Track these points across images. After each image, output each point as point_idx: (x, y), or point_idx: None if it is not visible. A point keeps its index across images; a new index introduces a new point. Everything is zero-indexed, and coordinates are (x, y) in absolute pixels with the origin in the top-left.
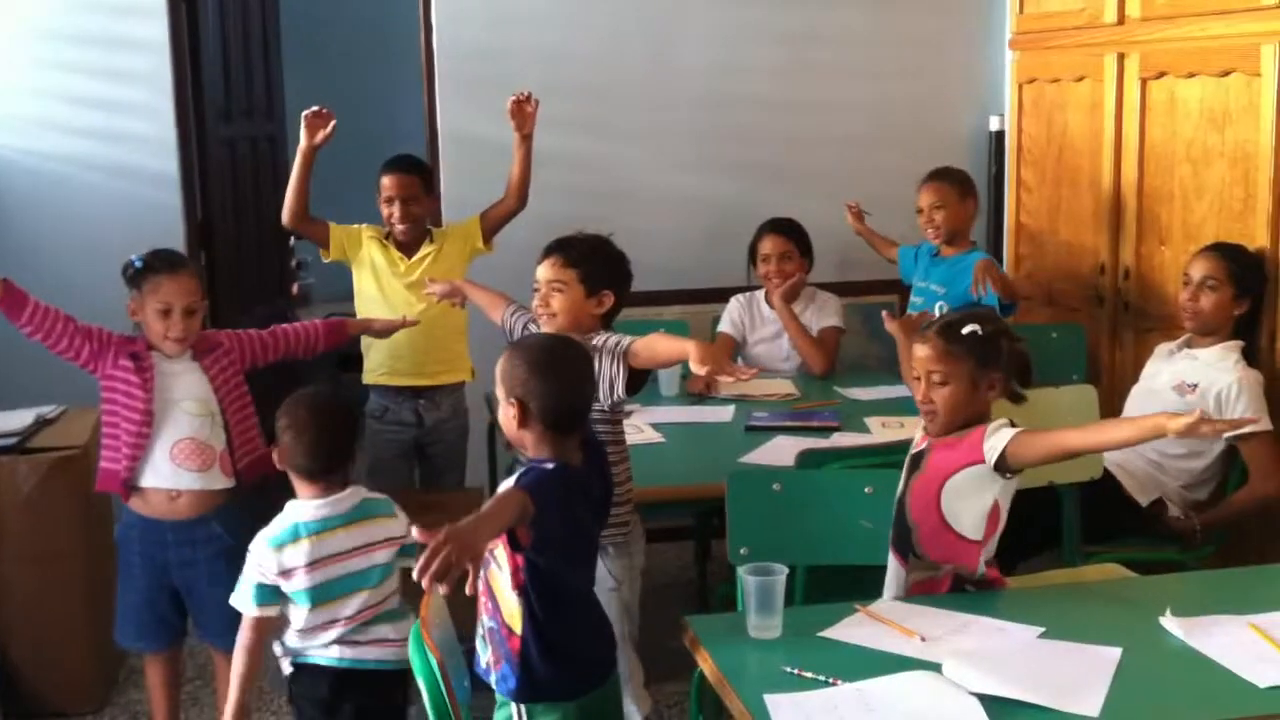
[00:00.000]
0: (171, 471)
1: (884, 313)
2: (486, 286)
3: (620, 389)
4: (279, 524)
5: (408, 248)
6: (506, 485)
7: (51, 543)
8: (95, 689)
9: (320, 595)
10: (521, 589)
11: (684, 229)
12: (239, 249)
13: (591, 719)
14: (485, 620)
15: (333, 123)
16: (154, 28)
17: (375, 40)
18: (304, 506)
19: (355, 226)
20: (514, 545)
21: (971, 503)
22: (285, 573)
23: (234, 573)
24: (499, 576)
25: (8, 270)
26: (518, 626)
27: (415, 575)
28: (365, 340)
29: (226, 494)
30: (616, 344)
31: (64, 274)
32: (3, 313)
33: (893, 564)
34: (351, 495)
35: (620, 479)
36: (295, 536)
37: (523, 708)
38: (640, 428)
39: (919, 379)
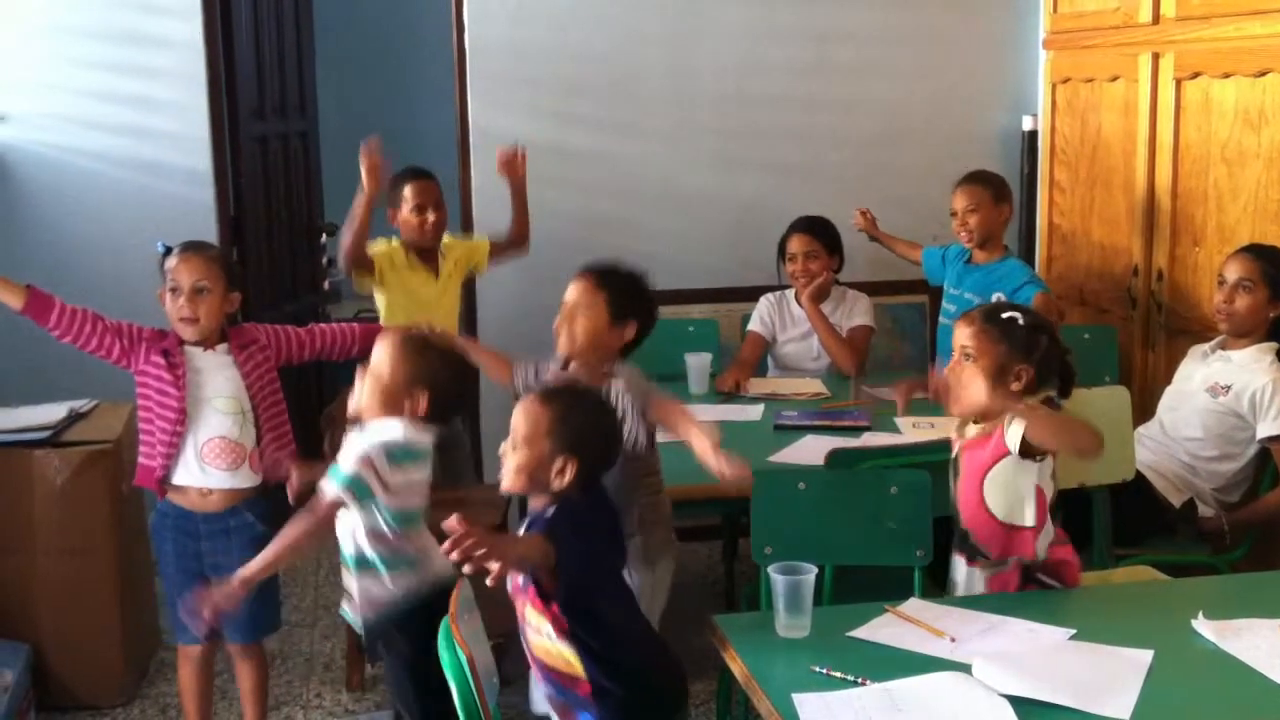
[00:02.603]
0: (201, 469)
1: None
2: (487, 348)
3: (643, 443)
4: (387, 437)
5: (428, 257)
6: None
7: (83, 536)
8: (126, 682)
9: (406, 520)
10: (567, 634)
11: (710, 227)
12: (271, 246)
13: None
14: (544, 689)
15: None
16: (188, 26)
17: (406, 39)
18: (403, 425)
19: (382, 250)
20: (544, 598)
21: (1012, 493)
22: (383, 489)
23: None
24: (541, 637)
25: (43, 266)
26: (580, 671)
27: (447, 545)
28: None
29: (258, 489)
30: (638, 397)
31: (97, 271)
32: (31, 318)
33: (960, 567)
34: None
35: (655, 489)
36: (412, 457)
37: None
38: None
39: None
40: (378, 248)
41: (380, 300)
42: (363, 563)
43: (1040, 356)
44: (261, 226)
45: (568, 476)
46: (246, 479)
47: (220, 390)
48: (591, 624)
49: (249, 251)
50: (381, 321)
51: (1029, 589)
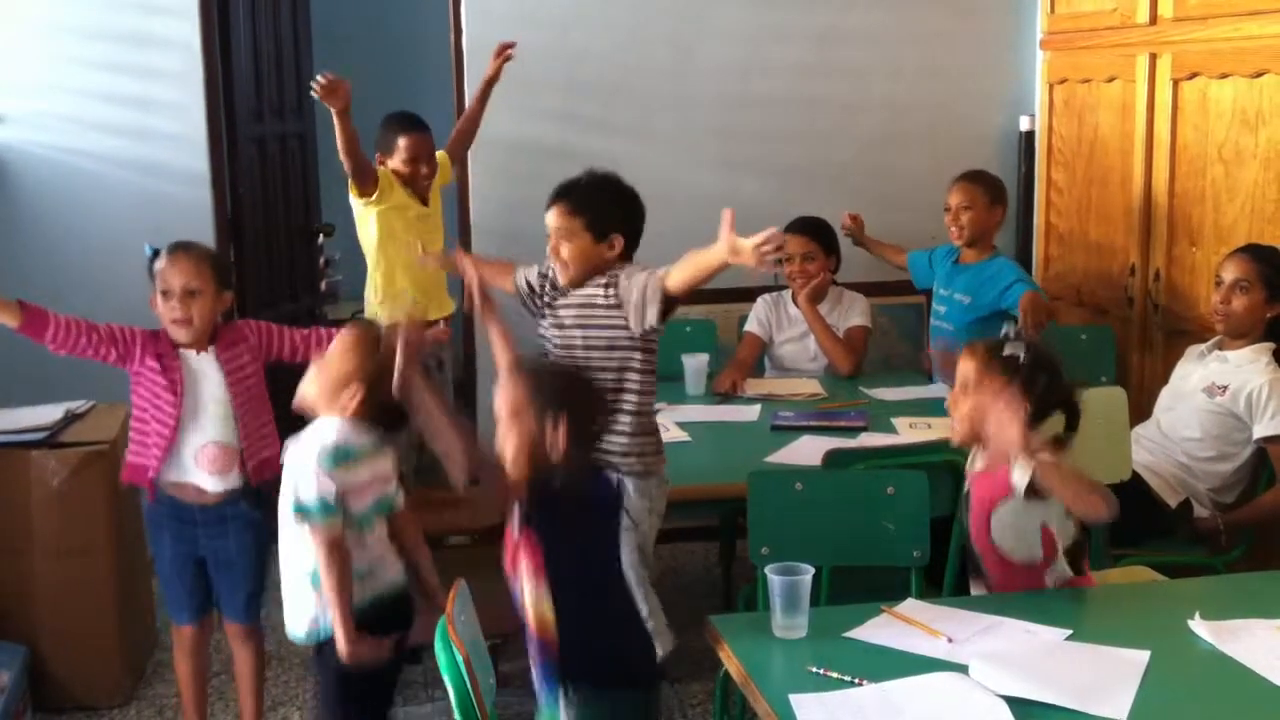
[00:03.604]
0: (195, 473)
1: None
2: (487, 258)
3: (653, 317)
4: (323, 442)
5: (423, 197)
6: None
7: (80, 537)
8: (123, 683)
9: (364, 521)
10: (541, 573)
11: (708, 228)
12: (268, 246)
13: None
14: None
15: (345, 86)
16: (185, 26)
17: (404, 40)
18: (340, 425)
19: (381, 171)
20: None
21: (1018, 531)
22: (341, 493)
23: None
24: (527, 590)
25: (40, 266)
26: (553, 632)
27: None
28: (378, 297)
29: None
30: (649, 274)
31: (94, 271)
32: (26, 335)
33: (975, 590)
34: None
35: (645, 408)
36: (349, 457)
37: (569, 688)
38: (666, 426)
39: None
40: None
41: (370, 216)
42: (317, 578)
43: (1039, 394)
44: (259, 227)
45: (562, 432)
46: (238, 480)
47: (214, 395)
48: (573, 591)
49: (246, 252)
50: (375, 241)
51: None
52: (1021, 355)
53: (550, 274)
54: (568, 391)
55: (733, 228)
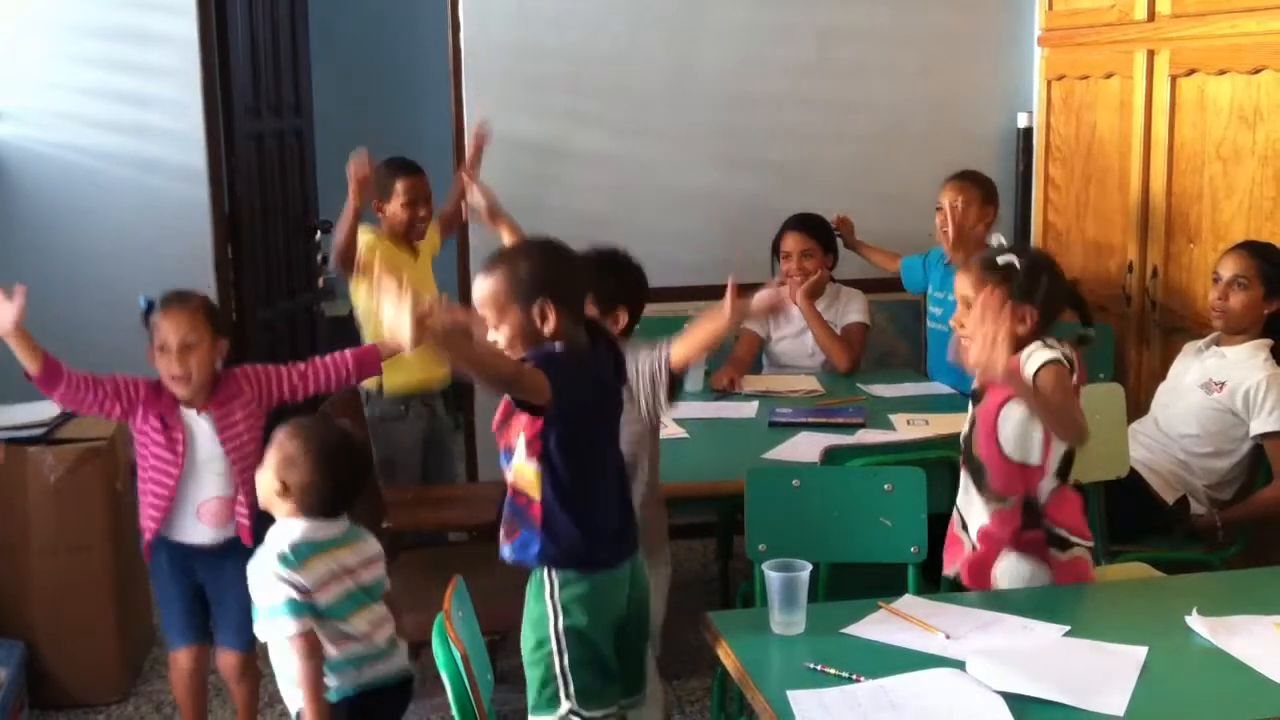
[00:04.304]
0: (194, 527)
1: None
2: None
3: (664, 398)
4: (278, 547)
5: (411, 248)
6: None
7: (77, 534)
8: (120, 679)
9: (343, 609)
10: (540, 455)
11: (707, 226)
12: (266, 244)
13: (618, 595)
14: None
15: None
16: (183, 23)
17: (402, 37)
18: (298, 526)
19: (367, 243)
20: (534, 411)
21: (1023, 430)
22: (308, 591)
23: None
24: (517, 456)
25: (38, 263)
26: (536, 493)
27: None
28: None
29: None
30: (651, 358)
31: (92, 268)
32: (36, 384)
33: (970, 494)
34: (341, 520)
35: (654, 480)
36: (303, 558)
37: (553, 573)
38: (664, 423)
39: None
40: (366, 245)
41: (362, 292)
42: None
43: (1043, 295)
44: (257, 224)
45: (552, 318)
46: (236, 529)
47: (211, 452)
48: (568, 456)
49: (244, 249)
50: (367, 309)
51: (1035, 533)
52: (1016, 262)
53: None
54: (547, 273)
55: (735, 295)
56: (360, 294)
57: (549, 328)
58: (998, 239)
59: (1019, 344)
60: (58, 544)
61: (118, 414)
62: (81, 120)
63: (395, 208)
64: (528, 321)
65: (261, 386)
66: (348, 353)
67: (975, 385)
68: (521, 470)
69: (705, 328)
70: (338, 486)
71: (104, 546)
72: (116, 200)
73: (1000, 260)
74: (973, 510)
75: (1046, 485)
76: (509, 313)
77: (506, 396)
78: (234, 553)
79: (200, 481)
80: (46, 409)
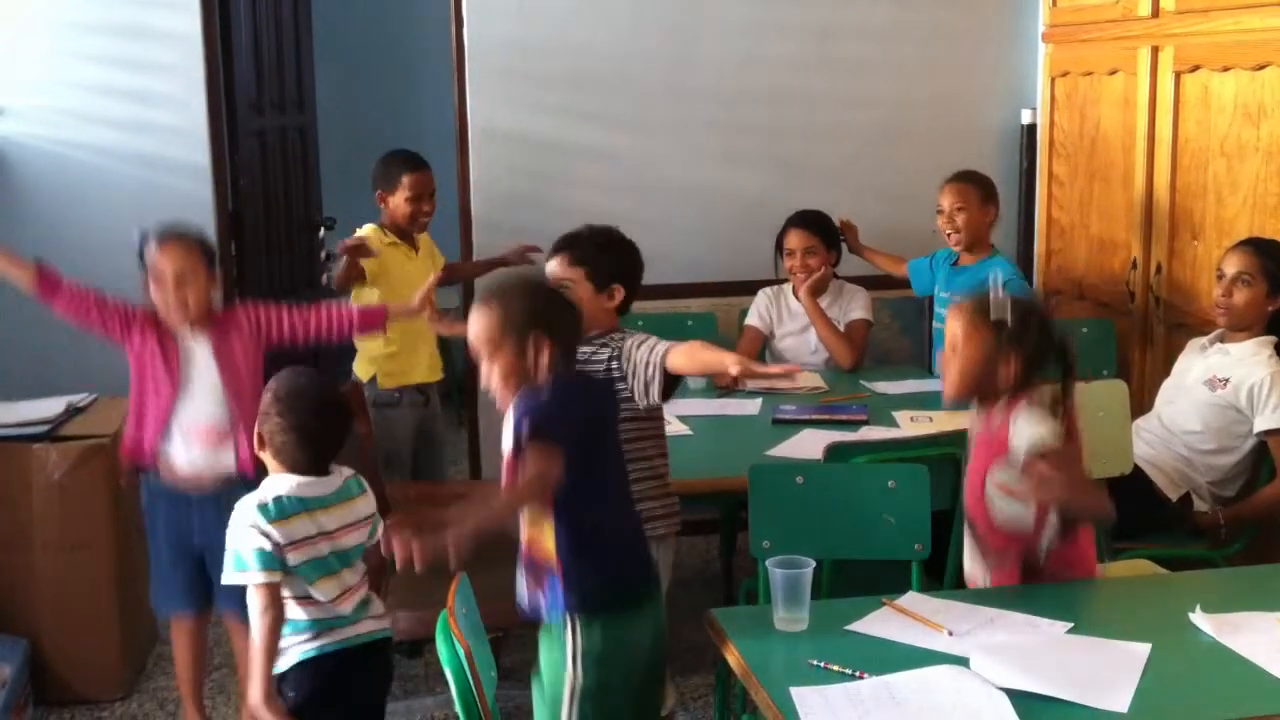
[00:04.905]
0: (189, 452)
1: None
2: None
3: (655, 394)
4: (267, 495)
5: (405, 235)
6: (511, 431)
7: (81, 531)
8: (123, 677)
9: (312, 572)
10: (551, 506)
11: (709, 222)
12: (269, 240)
13: (643, 637)
14: (522, 564)
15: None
16: (185, 19)
17: (405, 33)
18: (288, 481)
19: (369, 241)
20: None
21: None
22: (280, 546)
23: None
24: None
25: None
26: (552, 545)
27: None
28: (379, 351)
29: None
30: (652, 350)
31: (94, 265)
32: (38, 296)
33: (971, 554)
34: (337, 476)
35: (660, 473)
36: (283, 514)
37: (576, 619)
38: (668, 420)
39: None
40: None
41: (372, 295)
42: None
43: (1029, 347)
44: (260, 221)
45: (545, 353)
46: (233, 462)
47: (207, 378)
48: (575, 501)
49: (247, 246)
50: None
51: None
52: (1008, 311)
53: None
54: (541, 309)
55: (743, 365)
56: (362, 295)
57: (542, 363)
58: (995, 277)
59: (999, 392)
60: (61, 541)
61: (116, 333)
62: (84, 117)
63: (399, 201)
64: (521, 356)
65: (260, 323)
66: (353, 307)
67: (970, 441)
68: (534, 524)
69: (710, 359)
70: (309, 440)
71: (108, 544)
72: (119, 197)
73: (993, 315)
74: (975, 566)
75: (1045, 539)
76: (503, 347)
77: (508, 456)
78: (230, 506)
79: (195, 403)
80: (51, 406)
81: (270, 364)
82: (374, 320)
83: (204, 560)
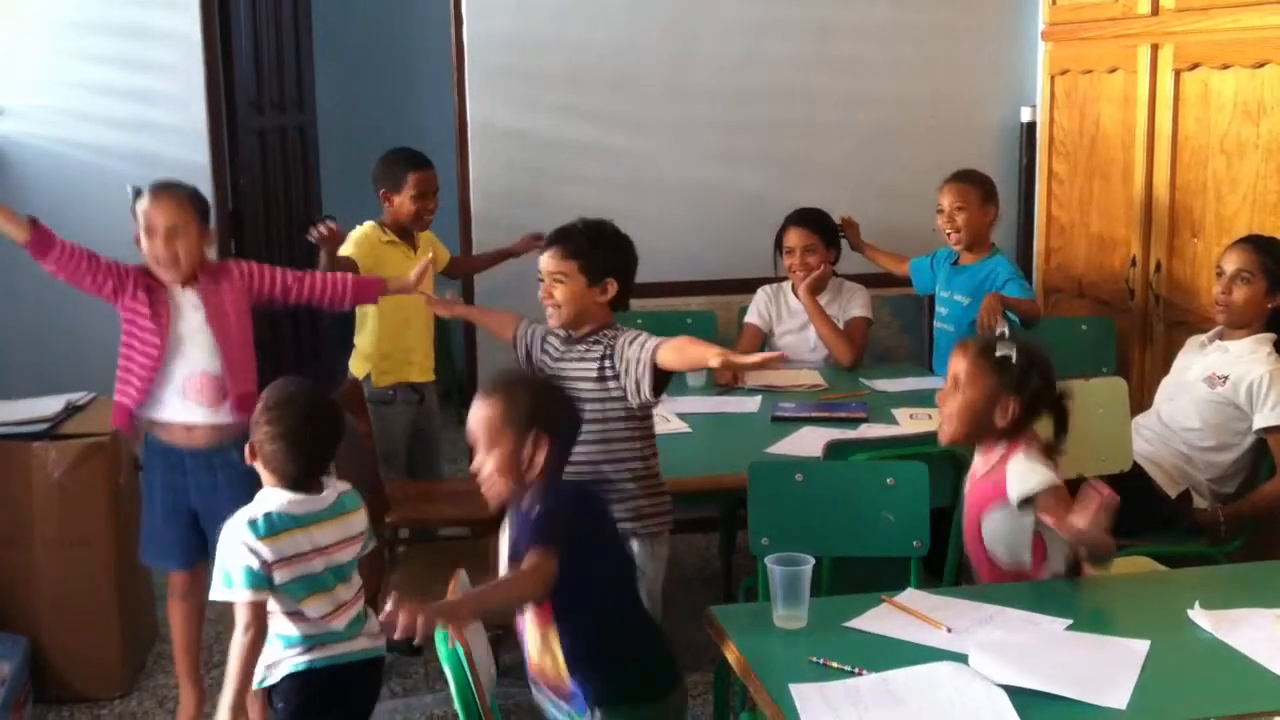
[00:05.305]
0: (182, 406)
1: None
2: (489, 309)
3: (647, 391)
4: (258, 511)
5: (404, 234)
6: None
7: (80, 529)
8: (123, 675)
9: (302, 589)
10: (552, 620)
11: (709, 220)
12: (269, 239)
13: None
14: (530, 663)
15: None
16: (185, 19)
17: (405, 32)
18: (281, 497)
19: (359, 240)
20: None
21: (1009, 537)
22: (269, 564)
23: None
24: (532, 633)
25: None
26: (564, 668)
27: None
28: (371, 348)
29: (242, 426)
30: (642, 346)
31: None
32: (31, 253)
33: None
34: (331, 491)
35: (652, 470)
36: (273, 530)
37: (599, 712)
38: (667, 417)
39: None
40: (355, 241)
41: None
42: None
43: (1029, 393)
44: (259, 219)
45: (543, 452)
46: (227, 414)
47: (197, 328)
48: (580, 608)
49: (247, 245)
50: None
51: None
52: (1014, 355)
53: (548, 343)
54: (542, 407)
55: (723, 357)
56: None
57: (538, 460)
58: (1002, 329)
59: (995, 437)
60: (61, 539)
61: (109, 290)
62: (84, 116)
63: (404, 199)
64: (518, 451)
65: (253, 278)
66: (349, 276)
67: (965, 488)
68: (542, 652)
69: (695, 354)
70: (298, 448)
71: (107, 541)
72: (119, 196)
73: (999, 351)
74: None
75: (1048, 572)
76: (502, 439)
77: (507, 564)
78: (225, 469)
79: (186, 355)
80: (50, 404)
81: (271, 366)
82: (369, 289)
83: (197, 517)
